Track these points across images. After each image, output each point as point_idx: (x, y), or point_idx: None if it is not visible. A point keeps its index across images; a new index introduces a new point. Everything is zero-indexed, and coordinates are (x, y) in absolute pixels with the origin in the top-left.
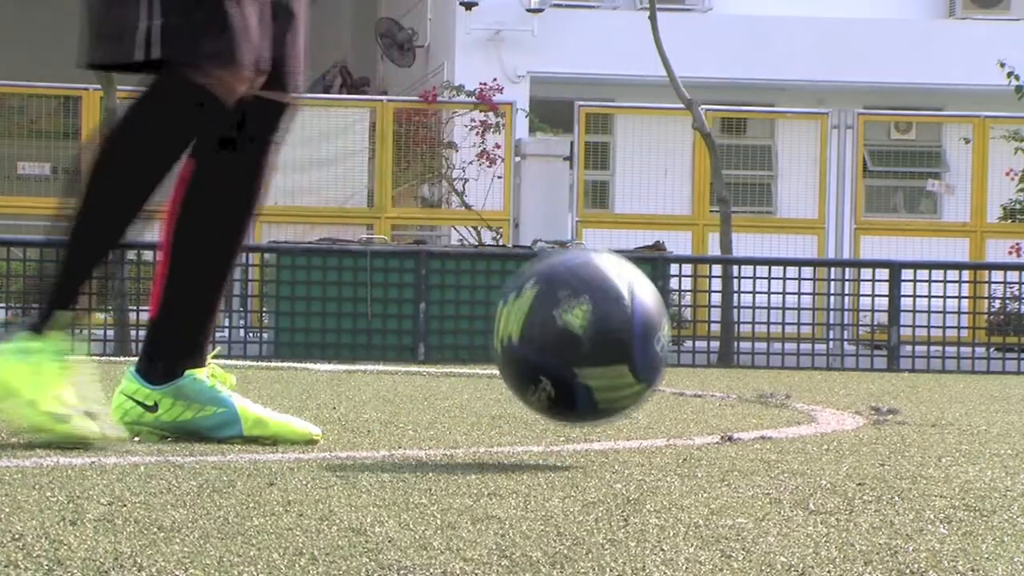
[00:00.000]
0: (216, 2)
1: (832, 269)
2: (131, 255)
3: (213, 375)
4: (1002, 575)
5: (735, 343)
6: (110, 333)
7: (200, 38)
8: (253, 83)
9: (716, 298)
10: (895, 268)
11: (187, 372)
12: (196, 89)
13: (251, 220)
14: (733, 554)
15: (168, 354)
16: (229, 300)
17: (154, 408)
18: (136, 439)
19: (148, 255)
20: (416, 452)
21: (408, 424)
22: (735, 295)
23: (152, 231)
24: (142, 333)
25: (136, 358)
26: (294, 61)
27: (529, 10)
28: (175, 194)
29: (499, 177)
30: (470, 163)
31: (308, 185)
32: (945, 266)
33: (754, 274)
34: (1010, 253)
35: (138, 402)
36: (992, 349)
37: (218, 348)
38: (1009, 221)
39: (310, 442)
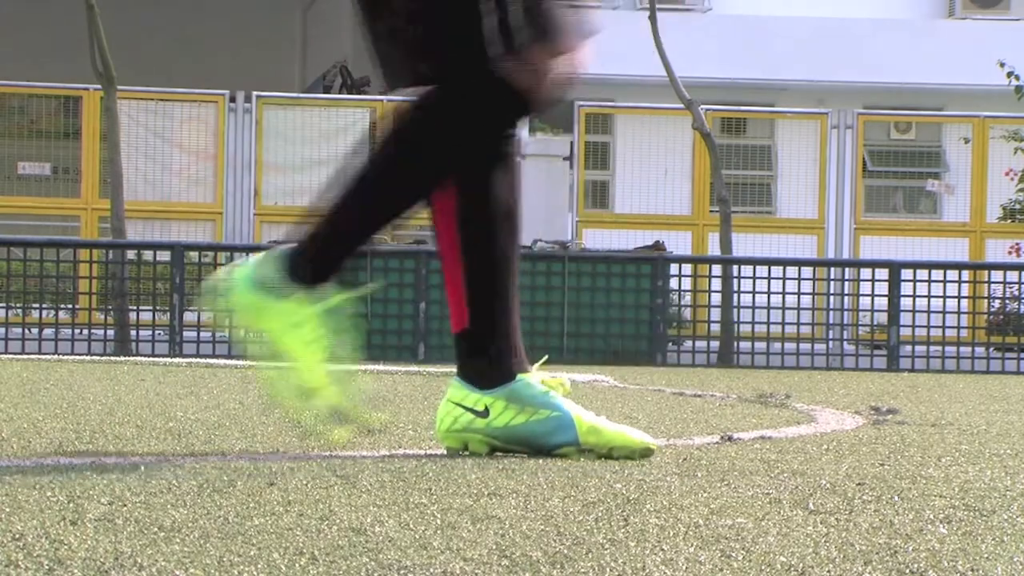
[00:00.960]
0: None
1: (832, 269)
2: (131, 255)
3: (544, 381)
4: (1002, 575)
5: (735, 343)
6: (110, 333)
7: (563, 19)
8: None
9: (716, 298)
10: (895, 268)
11: (518, 376)
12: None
13: (520, 214)
14: (733, 554)
15: (495, 359)
16: None
17: (485, 413)
18: (464, 451)
19: (148, 255)
20: (416, 452)
21: (408, 424)
22: (735, 295)
23: (152, 231)
24: (143, 333)
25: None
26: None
27: None
28: (446, 200)
29: None
30: None
31: (308, 185)
32: (945, 266)
33: (754, 274)
34: (1010, 253)
35: (467, 408)
36: (992, 349)
37: (545, 356)
38: (1009, 221)
39: (646, 453)
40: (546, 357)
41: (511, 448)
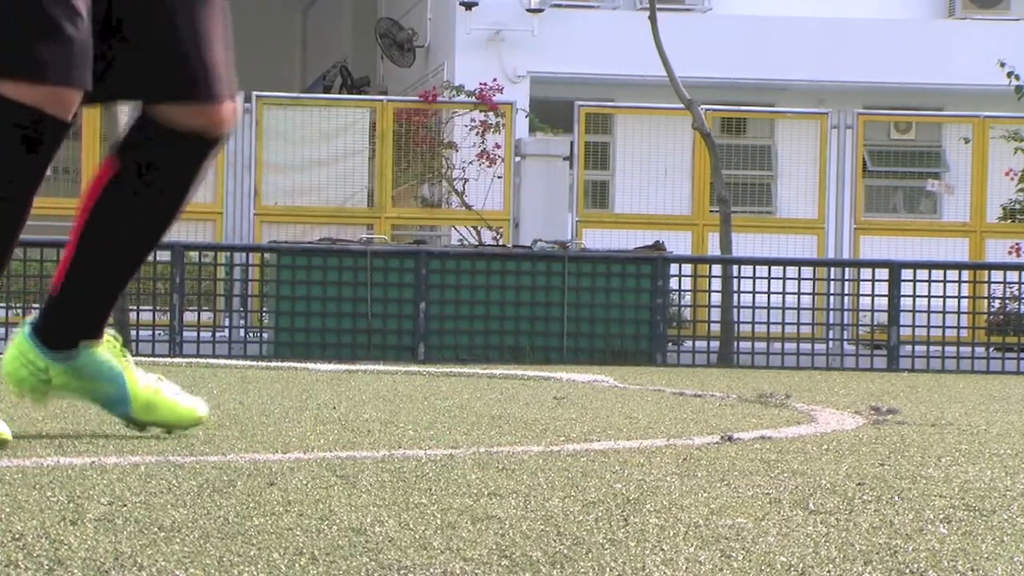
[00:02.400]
0: (36, 5)
1: (832, 269)
2: None
3: (109, 348)
4: (1002, 575)
5: (735, 343)
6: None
7: (23, 46)
8: (82, 95)
9: (716, 298)
10: (895, 268)
11: (82, 344)
12: (24, 108)
13: (173, 222)
14: (733, 554)
15: (67, 326)
16: (229, 300)
17: (45, 372)
18: (24, 398)
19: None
20: (416, 452)
21: (408, 424)
22: (735, 295)
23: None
24: (143, 333)
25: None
26: (208, 59)
27: (529, 10)
28: (92, 187)
29: (499, 177)
30: (470, 163)
31: (308, 185)
32: (945, 266)
33: (754, 274)
34: (1010, 253)
35: (34, 367)
36: (992, 349)
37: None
38: (1009, 221)
39: (196, 423)
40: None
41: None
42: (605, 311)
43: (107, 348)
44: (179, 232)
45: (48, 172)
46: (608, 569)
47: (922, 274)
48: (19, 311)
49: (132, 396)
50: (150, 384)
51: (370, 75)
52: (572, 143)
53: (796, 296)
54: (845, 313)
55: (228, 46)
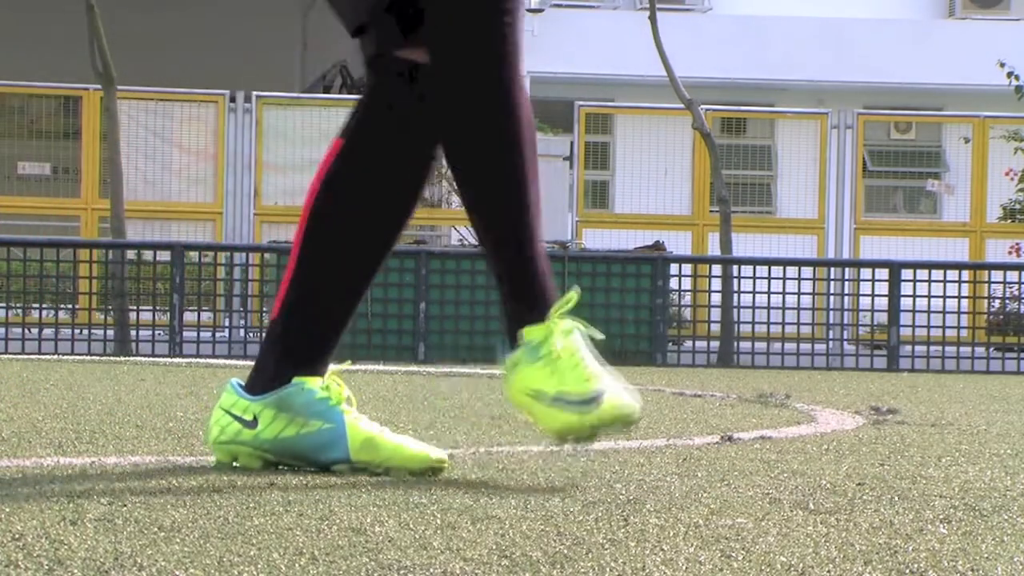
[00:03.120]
0: None
1: (832, 269)
2: (131, 255)
3: (327, 387)
4: (1002, 575)
5: (735, 343)
6: (110, 333)
7: None
8: None
9: (716, 298)
10: (895, 268)
11: (295, 380)
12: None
13: (408, 215)
14: (733, 554)
15: (277, 361)
16: (229, 300)
17: (254, 423)
18: (235, 463)
19: (148, 255)
20: None
21: (408, 424)
22: (735, 295)
23: (152, 231)
24: (143, 333)
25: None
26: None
27: (529, 10)
28: (316, 177)
29: None
30: None
31: (308, 185)
32: (945, 266)
33: (754, 274)
34: (1010, 253)
35: (236, 416)
36: (992, 349)
37: (348, 361)
38: (1009, 221)
39: (432, 468)
40: (349, 361)
41: (285, 462)
42: (605, 311)
43: (327, 388)
44: (179, 232)
45: (48, 172)
46: (608, 569)
47: (922, 274)
48: (19, 311)
49: (350, 435)
50: (373, 427)
51: None
52: (572, 143)
53: (796, 296)
54: (845, 313)
55: None
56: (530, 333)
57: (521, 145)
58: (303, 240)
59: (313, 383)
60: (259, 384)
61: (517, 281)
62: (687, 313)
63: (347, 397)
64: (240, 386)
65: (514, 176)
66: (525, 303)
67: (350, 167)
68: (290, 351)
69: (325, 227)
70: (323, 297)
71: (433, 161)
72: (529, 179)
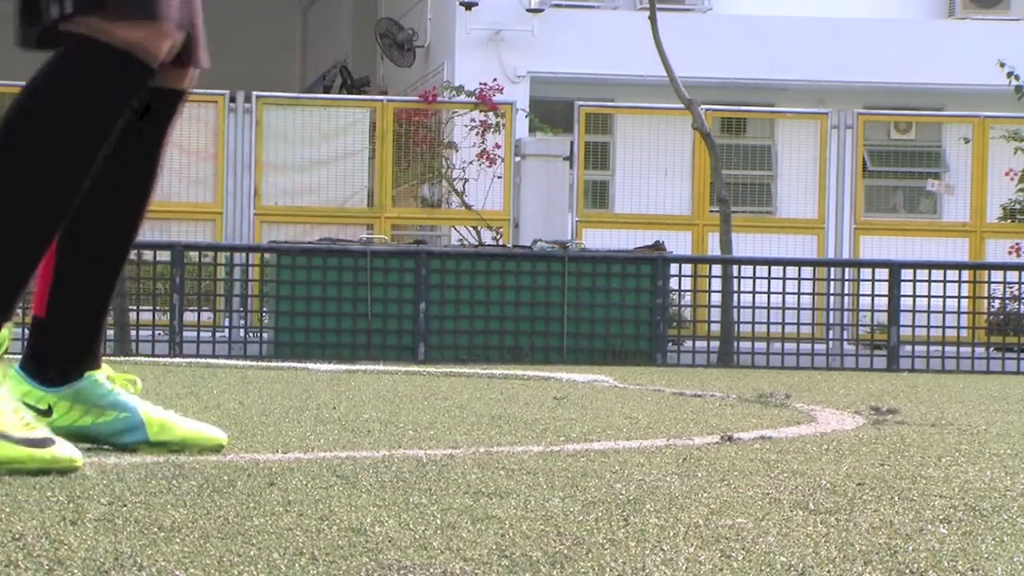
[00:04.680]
0: None
1: (832, 269)
2: (131, 255)
3: (111, 377)
4: (1002, 575)
5: (735, 343)
6: (110, 333)
7: None
8: (175, 43)
9: (716, 298)
10: (895, 268)
11: (86, 374)
12: (115, 51)
13: (143, 214)
14: (733, 554)
15: (62, 354)
16: (229, 300)
17: (48, 412)
18: None
19: (148, 255)
20: (416, 452)
21: (408, 424)
22: (735, 295)
23: (151, 230)
24: (143, 333)
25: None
26: (197, 30)
27: (529, 10)
28: None
29: (499, 177)
30: (470, 163)
31: (308, 185)
32: (945, 266)
33: (754, 274)
34: (1010, 253)
35: (30, 405)
36: (992, 349)
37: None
38: (1009, 221)
39: (218, 447)
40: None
41: (76, 442)
42: (605, 311)
43: (110, 378)
44: (179, 232)
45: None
46: (608, 569)
47: (922, 274)
48: (19, 311)
49: (147, 421)
50: (162, 412)
51: (370, 75)
52: (572, 143)
53: (796, 296)
54: (845, 313)
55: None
56: None
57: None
58: (58, 243)
59: (99, 376)
60: (49, 375)
61: None
62: (687, 313)
63: (132, 381)
64: (30, 376)
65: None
66: None
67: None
68: (71, 346)
69: (79, 230)
70: (86, 290)
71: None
72: None
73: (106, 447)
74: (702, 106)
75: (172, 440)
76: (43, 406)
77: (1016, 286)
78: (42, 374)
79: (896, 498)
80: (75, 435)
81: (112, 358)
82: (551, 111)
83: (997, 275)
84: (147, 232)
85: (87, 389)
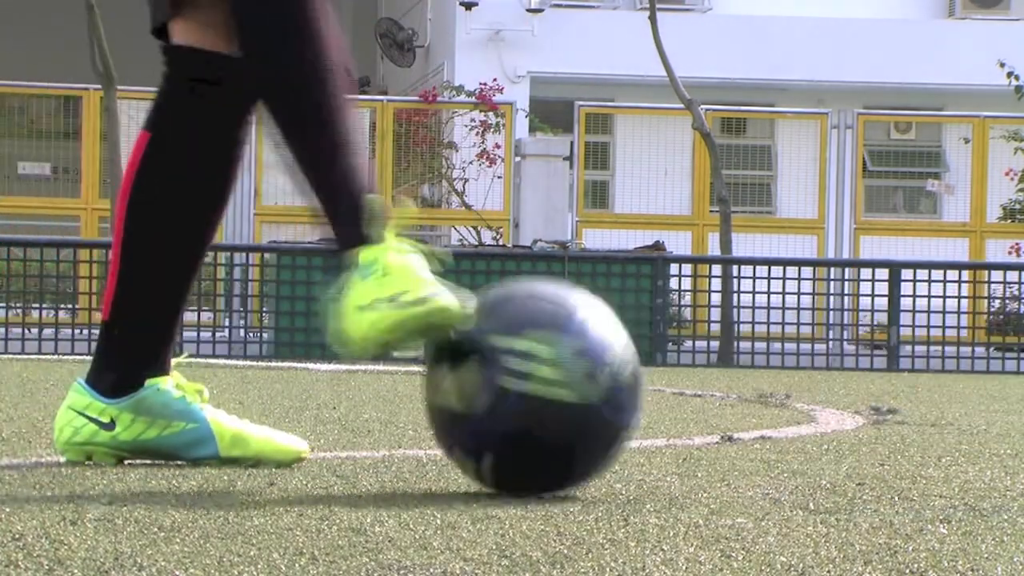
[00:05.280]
0: None
1: (832, 269)
2: None
3: (179, 385)
4: (1002, 575)
5: (735, 343)
6: None
7: None
8: None
9: (716, 298)
10: (895, 268)
11: (148, 382)
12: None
13: (224, 201)
14: (733, 554)
15: (125, 362)
16: (229, 300)
17: (111, 425)
18: (88, 461)
19: None
20: (416, 452)
21: (408, 424)
22: (735, 295)
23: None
24: None
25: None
26: None
27: (529, 10)
28: (127, 173)
29: (499, 177)
30: (470, 163)
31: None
32: (945, 266)
33: (754, 274)
34: (1010, 253)
35: (91, 418)
36: (992, 349)
37: (185, 353)
38: (1009, 221)
39: (298, 460)
40: (185, 355)
41: (144, 458)
42: None
43: (179, 386)
44: None
45: (48, 172)
46: (608, 569)
47: (922, 274)
48: (19, 311)
49: (217, 433)
50: (235, 421)
51: (370, 75)
52: (572, 143)
53: (796, 296)
54: (845, 313)
55: None
56: (362, 255)
57: (331, 75)
58: (123, 238)
59: (166, 383)
60: (111, 386)
61: (342, 201)
62: (687, 313)
63: (200, 391)
64: (91, 387)
65: (329, 107)
66: (354, 225)
67: (159, 159)
68: (133, 352)
69: (142, 222)
70: (151, 293)
71: (241, 144)
72: (342, 108)
73: (179, 463)
74: (702, 106)
75: (245, 456)
76: (105, 419)
77: (1016, 286)
78: (102, 383)
79: (896, 498)
80: (141, 451)
81: None
82: (551, 111)
83: (997, 275)
84: None
85: (150, 398)
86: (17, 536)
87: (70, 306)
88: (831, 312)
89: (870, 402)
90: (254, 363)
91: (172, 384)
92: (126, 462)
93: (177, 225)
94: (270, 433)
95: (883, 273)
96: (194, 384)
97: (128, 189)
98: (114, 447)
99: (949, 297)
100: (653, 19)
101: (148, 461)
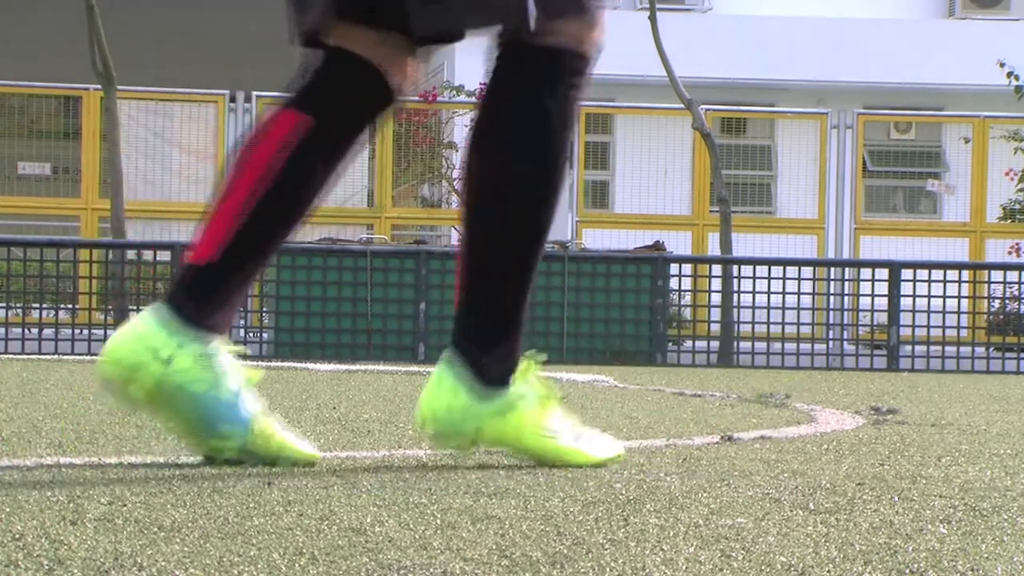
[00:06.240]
0: None
1: (832, 269)
2: (131, 255)
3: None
4: (1002, 575)
5: (735, 343)
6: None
7: None
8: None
9: (716, 298)
10: (895, 268)
11: (216, 342)
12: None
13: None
14: (733, 554)
15: (207, 305)
16: None
17: (167, 362)
18: (122, 385)
19: (148, 255)
20: (416, 452)
21: (408, 424)
22: (735, 295)
23: (151, 231)
24: None
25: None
26: None
27: None
28: (269, 148)
29: None
30: None
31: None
32: (945, 266)
33: (754, 274)
34: (1010, 253)
35: (154, 349)
36: (992, 349)
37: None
38: (1009, 221)
39: (310, 464)
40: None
41: (169, 412)
42: (605, 311)
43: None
44: (179, 232)
45: (48, 172)
46: (608, 569)
47: (922, 274)
48: (19, 311)
49: (252, 419)
50: (268, 419)
51: None
52: (572, 143)
53: (796, 296)
54: (845, 313)
55: None
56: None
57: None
58: (267, 194)
59: (225, 349)
60: (189, 322)
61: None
62: (687, 313)
63: (250, 375)
64: (176, 312)
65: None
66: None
67: (321, 144)
68: (220, 302)
69: (282, 200)
70: (256, 258)
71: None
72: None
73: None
74: (702, 106)
75: (267, 451)
76: (164, 354)
77: (1016, 286)
78: (181, 313)
79: (896, 498)
80: (180, 400)
81: None
82: None
83: (997, 275)
84: (147, 232)
85: (217, 353)
86: (17, 536)
87: (70, 306)
88: (831, 312)
89: (870, 402)
90: (254, 363)
91: (227, 352)
92: (126, 461)
93: (304, 206)
94: (287, 434)
95: (883, 273)
96: (249, 367)
97: (278, 167)
98: (159, 381)
99: (949, 297)
100: (653, 19)
101: (150, 459)
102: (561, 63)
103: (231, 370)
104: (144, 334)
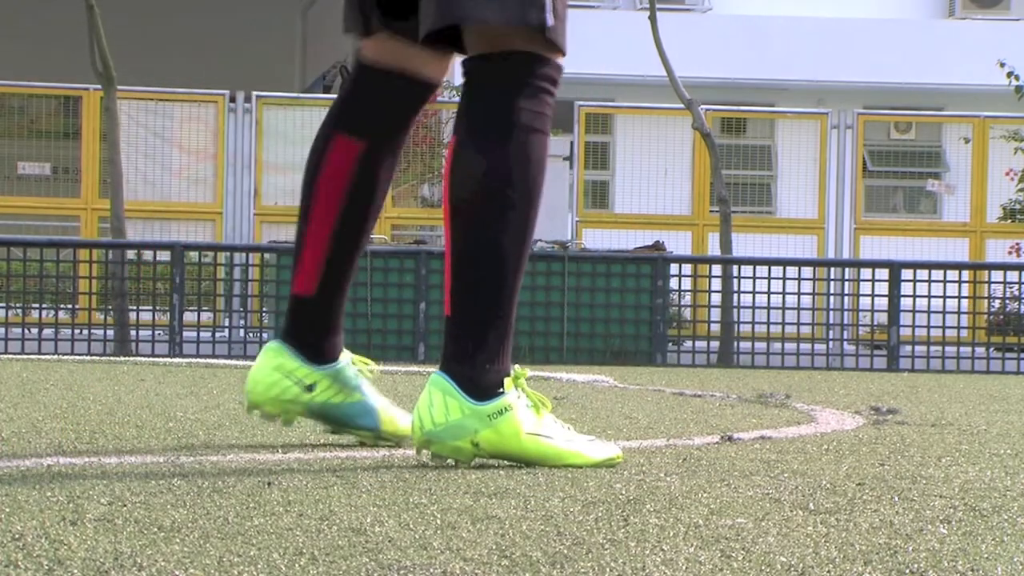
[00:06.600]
0: None
1: (832, 269)
2: (131, 255)
3: (354, 361)
4: (1002, 575)
5: (735, 343)
6: (110, 333)
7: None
8: None
9: (716, 298)
10: (895, 268)
11: (343, 355)
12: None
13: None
14: (733, 554)
15: (327, 334)
16: (229, 300)
17: (311, 388)
18: (276, 418)
19: (148, 255)
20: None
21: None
22: (735, 295)
23: (151, 231)
24: (143, 333)
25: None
26: None
27: None
28: (332, 180)
29: None
30: None
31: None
32: (945, 266)
33: (754, 274)
34: (1010, 253)
35: (296, 380)
36: (992, 349)
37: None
38: (1009, 221)
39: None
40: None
41: (319, 421)
42: (605, 311)
43: (353, 361)
44: (179, 232)
45: (48, 172)
46: (608, 569)
47: (922, 274)
48: (19, 311)
49: (379, 408)
50: (386, 403)
51: None
52: (572, 143)
53: (796, 296)
54: (845, 313)
55: None
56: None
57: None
58: (342, 215)
59: (347, 356)
60: (311, 354)
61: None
62: (687, 313)
63: (367, 364)
64: (298, 351)
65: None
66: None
67: (376, 156)
68: (334, 324)
69: (358, 206)
70: (349, 273)
71: None
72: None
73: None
74: (702, 106)
75: (396, 433)
76: (308, 382)
77: (1016, 286)
78: (307, 350)
79: (896, 498)
80: (323, 414)
81: (112, 358)
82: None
83: (997, 275)
84: (147, 232)
85: (345, 370)
86: (17, 536)
87: (70, 306)
88: (831, 312)
89: (870, 402)
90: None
91: (349, 359)
92: (126, 461)
93: (376, 211)
94: (402, 414)
95: (883, 273)
96: (362, 358)
97: (346, 188)
98: (307, 408)
99: (949, 297)
100: (653, 19)
101: (150, 459)
102: (530, 67)
103: (355, 376)
104: (283, 369)
